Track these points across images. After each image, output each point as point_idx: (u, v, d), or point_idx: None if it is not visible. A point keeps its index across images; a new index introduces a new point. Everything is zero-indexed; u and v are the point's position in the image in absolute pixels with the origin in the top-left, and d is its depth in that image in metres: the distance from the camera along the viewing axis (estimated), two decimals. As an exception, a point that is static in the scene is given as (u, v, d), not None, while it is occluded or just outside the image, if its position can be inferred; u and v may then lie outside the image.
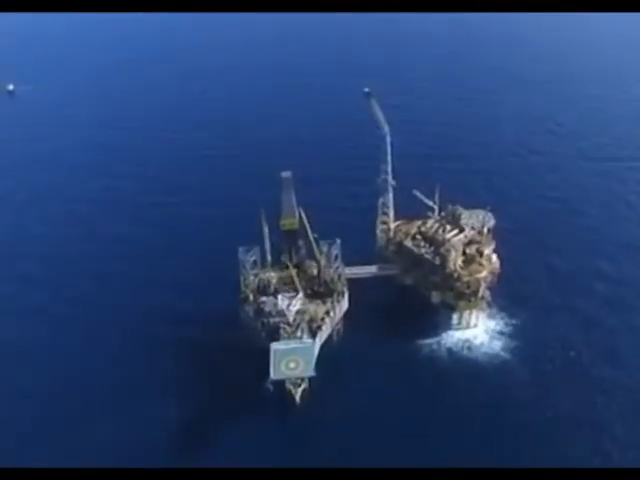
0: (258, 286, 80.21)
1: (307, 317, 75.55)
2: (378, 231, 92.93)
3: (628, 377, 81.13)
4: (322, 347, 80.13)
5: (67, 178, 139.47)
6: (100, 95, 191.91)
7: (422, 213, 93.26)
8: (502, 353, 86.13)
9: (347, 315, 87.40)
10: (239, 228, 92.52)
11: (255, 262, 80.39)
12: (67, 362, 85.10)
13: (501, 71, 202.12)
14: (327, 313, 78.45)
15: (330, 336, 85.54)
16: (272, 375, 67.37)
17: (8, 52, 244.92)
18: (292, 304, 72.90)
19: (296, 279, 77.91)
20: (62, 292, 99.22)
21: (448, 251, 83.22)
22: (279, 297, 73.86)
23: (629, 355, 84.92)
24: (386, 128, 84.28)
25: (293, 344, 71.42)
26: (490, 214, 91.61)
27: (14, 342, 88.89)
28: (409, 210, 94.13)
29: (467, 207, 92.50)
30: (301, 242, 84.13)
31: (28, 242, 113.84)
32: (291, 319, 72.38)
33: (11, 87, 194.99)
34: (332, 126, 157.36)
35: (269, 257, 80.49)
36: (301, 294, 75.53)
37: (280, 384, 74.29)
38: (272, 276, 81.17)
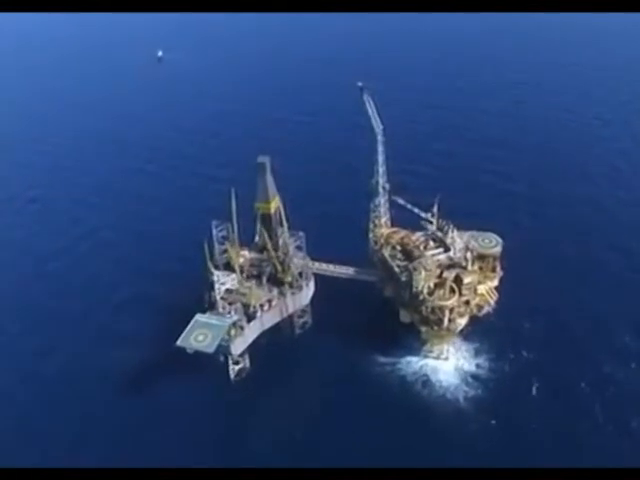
0: (227, 262, 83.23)
1: (243, 299, 76.11)
2: (370, 235, 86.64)
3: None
4: (277, 336, 79.91)
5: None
6: (234, 73, 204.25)
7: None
8: (462, 402, 73.79)
9: (318, 312, 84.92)
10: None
11: (225, 237, 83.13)
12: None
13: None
14: (269, 302, 77.70)
15: (292, 328, 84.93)
16: (179, 341, 70.32)
17: (160, 21, 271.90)
18: (221, 282, 74.19)
19: (235, 259, 78.55)
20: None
21: (415, 269, 74.09)
22: (216, 273, 75.71)
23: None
24: (379, 126, 77.25)
25: (214, 319, 72.81)
26: (498, 239, 78.27)
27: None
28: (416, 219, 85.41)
29: (481, 229, 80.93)
30: (279, 228, 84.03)
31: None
32: (218, 296, 73.87)
33: (160, 54, 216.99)
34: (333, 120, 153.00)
35: (235, 234, 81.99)
36: (234, 275, 76.14)
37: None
38: (243, 254, 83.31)
